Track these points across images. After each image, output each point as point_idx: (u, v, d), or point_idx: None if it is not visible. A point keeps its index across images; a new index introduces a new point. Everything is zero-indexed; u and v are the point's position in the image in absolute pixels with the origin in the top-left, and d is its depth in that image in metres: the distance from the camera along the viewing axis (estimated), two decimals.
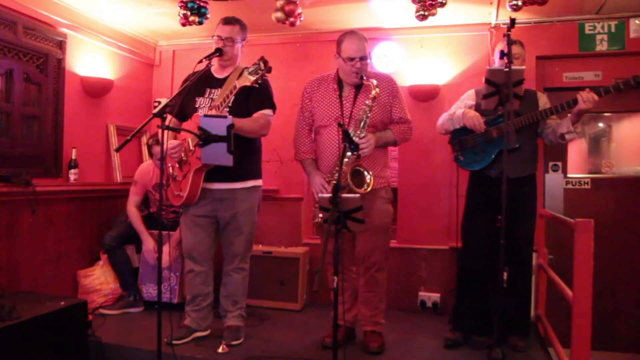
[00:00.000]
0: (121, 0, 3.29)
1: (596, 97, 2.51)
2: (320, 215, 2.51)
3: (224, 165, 2.46)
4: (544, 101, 2.77)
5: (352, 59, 2.61)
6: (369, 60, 2.69)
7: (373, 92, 2.56)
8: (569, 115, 2.63)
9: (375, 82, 2.58)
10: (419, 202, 3.67)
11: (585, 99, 2.51)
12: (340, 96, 2.71)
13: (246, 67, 2.59)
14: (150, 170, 3.48)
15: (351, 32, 2.68)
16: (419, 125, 3.49)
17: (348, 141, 2.25)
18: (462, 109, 2.79)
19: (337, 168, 2.46)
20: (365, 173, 2.52)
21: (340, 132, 2.54)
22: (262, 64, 2.41)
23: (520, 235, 2.66)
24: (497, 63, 2.77)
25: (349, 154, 2.46)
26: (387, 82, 2.73)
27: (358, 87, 2.70)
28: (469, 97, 2.87)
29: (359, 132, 2.55)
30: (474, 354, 2.65)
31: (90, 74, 3.59)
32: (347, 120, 2.65)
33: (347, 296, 2.80)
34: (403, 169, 3.78)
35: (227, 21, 2.70)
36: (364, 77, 2.60)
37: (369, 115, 2.57)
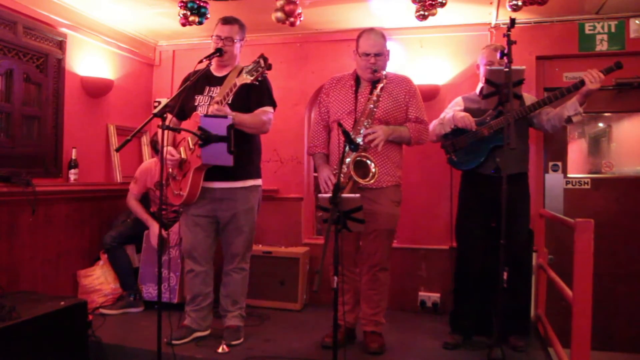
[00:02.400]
0: (121, 0, 3.29)
1: (602, 76, 2.50)
2: (319, 214, 2.52)
3: (224, 165, 2.46)
4: (529, 100, 2.79)
5: (367, 55, 2.64)
6: (387, 58, 2.71)
7: (381, 84, 2.59)
8: (575, 97, 2.62)
9: (385, 73, 2.61)
10: (418, 202, 3.67)
11: (593, 79, 2.50)
12: (356, 92, 2.73)
13: (246, 66, 2.60)
14: (152, 168, 3.48)
15: (369, 29, 2.72)
16: None
17: (348, 141, 2.24)
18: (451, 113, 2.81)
19: (344, 163, 2.47)
20: (369, 162, 2.49)
21: (351, 126, 2.60)
22: (262, 61, 2.41)
23: (516, 234, 2.66)
24: (482, 70, 2.81)
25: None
26: (405, 82, 2.75)
27: (374, 84, 2.69)
28: (456, 104, 2.91)
29: (366, 123, 2.57)
30: (474, 354, 2.65)
31: (90, 74, 3.59)
32: (360, 114, 2.65)
33: (349, 297, 2.80)
34: (403, 169, 3.77)
35: (227, 21, 2.71)
36: (377, 71, 2.61)
37: (377, 104, 2.59)
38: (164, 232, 2.29)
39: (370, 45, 2.64)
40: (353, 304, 2.82)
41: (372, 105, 2.59)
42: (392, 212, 2.72)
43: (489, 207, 2.67)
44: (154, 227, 3.40)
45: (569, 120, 2.65)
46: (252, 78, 2.42)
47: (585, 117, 3.77)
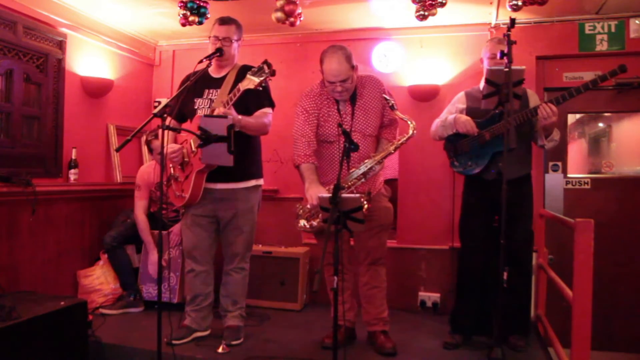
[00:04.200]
0: (121, 0, 3.29)
1: (555, 109, 2.51)
2: (307, 225, 2.59)
3: (225, 165, 2.47)
4: (534, 99, 2.77)
5: (331, 83, 2.57)
6: (354, 77, 2.62)
7: (410, 133, 2.58)
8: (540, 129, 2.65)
9: (412, 125, 2.56)
10: (418, 202, 3.67)
11: (546, 115, 2.51)
12: (339, 110, 2.67)
13: (247, 66, 2.59)
14: (151, 171, 3.47)
15: (332, 51, 2.56)
16: (418, 125, 3.47)
17: (349, 141, 2.26)
18: (453, 114, 2.78)
19: (352, 181, 2.54)
20: (366, 202, 2.46)
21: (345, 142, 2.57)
22: (266, 67, 2.41)
23: (518, 235, 2.66)
24: (486, 64, 2.77)
25: (357, 174, 2.54)
26: (375, 86, 2.70)
27: (353, 99, 2.67)
28: (459, 101, 2.86)
29: (376, 161, 2.58)
30: (474, 354, 2.65)
31: (90, 74, 3.59)
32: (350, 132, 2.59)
33: (347, 296, 2.80)
34: (403, 169, 3.78)
35: (224, 21, 2.71)
36: (393, 106, 2.58)
37: (398, 148, 2.64)
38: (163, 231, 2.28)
39: (334, 75, 2.53)
40: (351, 301, 2.82)
41: (393, 150, 2.63)
42: (387, 205, 2.77)
43: (491, 208, 2.66)
44: (153, 255, 3.38)
45: (542, 147, 2.68)
46: (256, 84, 2.42)
47: (585, 117, 3.78)
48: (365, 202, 2.46)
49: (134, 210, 3.45)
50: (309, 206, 2.61)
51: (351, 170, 2.57)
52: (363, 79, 2.71)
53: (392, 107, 2.60)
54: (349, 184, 2.55)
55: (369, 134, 2.66)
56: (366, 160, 2.57)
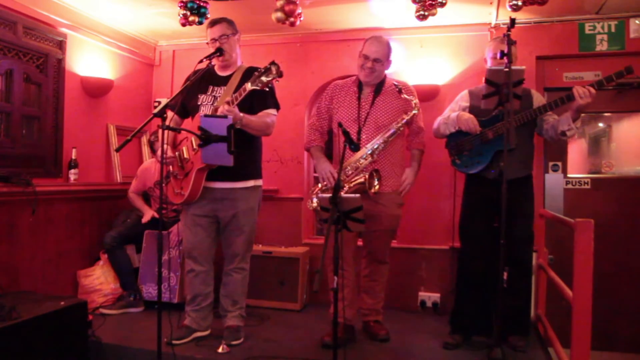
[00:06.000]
0: (121, 0, 3.29)
1: (593, 90, 2.48)
2: (315, 204, 2.75)
3: (225, 165, 2.47)
4: (538, 99, 2.76)
5: (366, 57, 2.76)
6: (386, 66, 2.83)
7: (412, 112, 2.77)
8: (568, 112, 2.62)
9: (416, 101, 2.77)
10: (419, 202, 3.66)
11: (582, 94, 2.48)
12: (359, 98, 2.82)
13: (252, 67, 2.60)
14: (152, 168, 3.49)
15: (379, 36, 2.83)
16: None
17: (349, 141, 2.27)
18: (456, 111, 2.78)
19: (352, 166, 2.69)
20: (376, 181, 2.66)
21: (355, 132, 2.75)
22: (273, 69, 2.41)
23: (519, 235, 2.66)
24: (489, 63, 2.76)
25: (366, 154, 2.69)
26: (404, 90, 2.84)
27: (377, 90, 2.81)
28: (462, 99, 2.86)
29: (384, 139, 2.72)
30: (474, 354, 2.65)
31: (90, 74, 3.59)
32: (364, 121, 2.77)
33: (347, 293, 2.80)
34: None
35: (213, 22, 2.72)
36: (401, 90, 2.76)
37: (401, 129, 2.78)
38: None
39: (372, 51, 2.75)
40: (351, 299, 2.83)
41: (397, 130, 2.75)
42: (395, 213, 2.84)
43: (492, 208, 2.65)
44: (148, 214, 3.49)
45: (563, 134, 2.64)
46: (263, 84, 2.44)
47: (585, 117, 3.78)
48: (376, 182, 2.64)
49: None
50: (319, 185, 2.83)
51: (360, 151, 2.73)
52: (399, 83, 2.86)
53: (399, 92, 2.76)
54: (357, 164, 2.70)
55: (383, 125, 2.77)
56: (374, 138, 2.73)
